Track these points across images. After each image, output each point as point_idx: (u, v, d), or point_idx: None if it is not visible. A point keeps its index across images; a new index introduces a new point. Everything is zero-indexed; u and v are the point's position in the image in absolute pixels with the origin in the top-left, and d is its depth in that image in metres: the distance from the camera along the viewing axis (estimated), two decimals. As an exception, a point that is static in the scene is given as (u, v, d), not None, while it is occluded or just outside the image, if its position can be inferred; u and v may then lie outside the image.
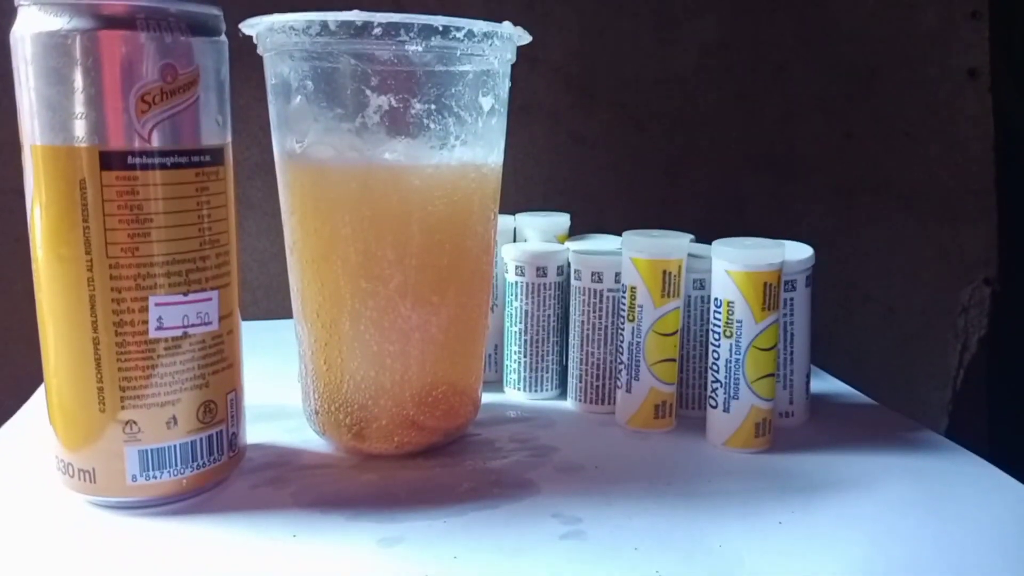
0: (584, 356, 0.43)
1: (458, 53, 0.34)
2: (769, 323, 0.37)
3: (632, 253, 0.40)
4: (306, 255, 0.36)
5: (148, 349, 0.30)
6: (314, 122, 0.34)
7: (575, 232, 0.50)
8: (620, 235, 0.42)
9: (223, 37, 0.32)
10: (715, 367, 0.39)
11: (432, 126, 0.34)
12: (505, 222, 0.48)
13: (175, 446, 0.31)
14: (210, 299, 0.32)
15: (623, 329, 0.41)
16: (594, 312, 0.42)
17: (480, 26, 0.34)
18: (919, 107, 0.66)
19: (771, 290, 0.37)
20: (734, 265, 0.37)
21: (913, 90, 0.66)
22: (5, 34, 0.30)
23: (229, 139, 0.33)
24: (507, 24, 0.35)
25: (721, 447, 0.39)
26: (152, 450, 0.31)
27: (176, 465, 0.31)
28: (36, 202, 0.30)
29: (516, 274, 0.44)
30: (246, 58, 0.37)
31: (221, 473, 0.33)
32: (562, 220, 0.49)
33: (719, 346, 0.38)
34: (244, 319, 0.35)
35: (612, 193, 0.64)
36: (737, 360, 0.38)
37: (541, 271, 0.44)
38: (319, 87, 0.34)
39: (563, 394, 0.45)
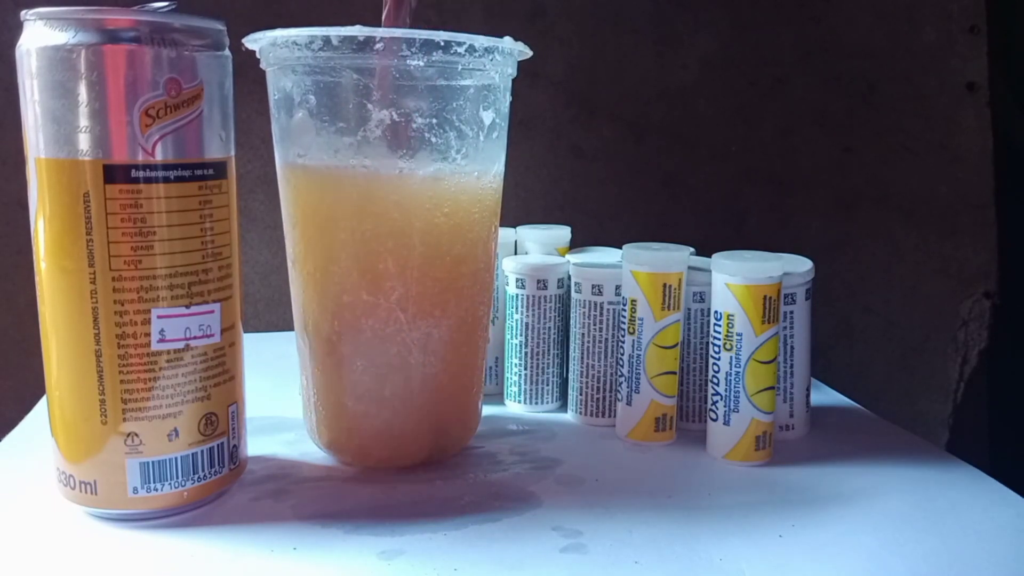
0: (585, 369, 0.43)
1: (459, 68, 0.34)
2: (769, 336, 0.38)
3: (633, 266, 0.40)
4: (308, 268, 0.36)
5: (150, 361, 0.30)
6: (316, 136, 0.35)
7: (576, 245, 0.50)
8: (620, 248, 0.42)
9: (227, 52, 0.32)
10: (715, 380, 0.39)
11: (433, 140, 0.35)
12: (506, 235, 0.48)
13: (176, 458, 0.31)
14: (212, 311, 0.32)
15: (623, 342, 0.41)
16: (595, 325, 0.43)
17: (481, 41, 0.34)
18: (918, 121, 0.67)
19: (771, 303, 0.37)
20: (734, 278, 0.37)
21: (912, 104, 0.66)
22: (11, 48, 0.30)
23: (232, 153, 0.33)
24: (508, 39, 0.35)
25: (721, 460, 0.39)
26: (153, 462, 0.31)
27: (177, 477, 0.32)
28: (40, 214, 0.30)
29: (517, 287, 0.44)
30: (249, 72, 0.38)
31: (222, 485, 0.33)
32: (563, 233, 0.49)
33: (719, 359, 0.38)
34: (246, 331, 0.35)
35: (612, 206, 0.64)
36: (737, 373, 0.38)
37: (542, 284, 0.44)
38: (321, 101, 0.34)
39: (564, 407, 0.45)
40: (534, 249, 0.48)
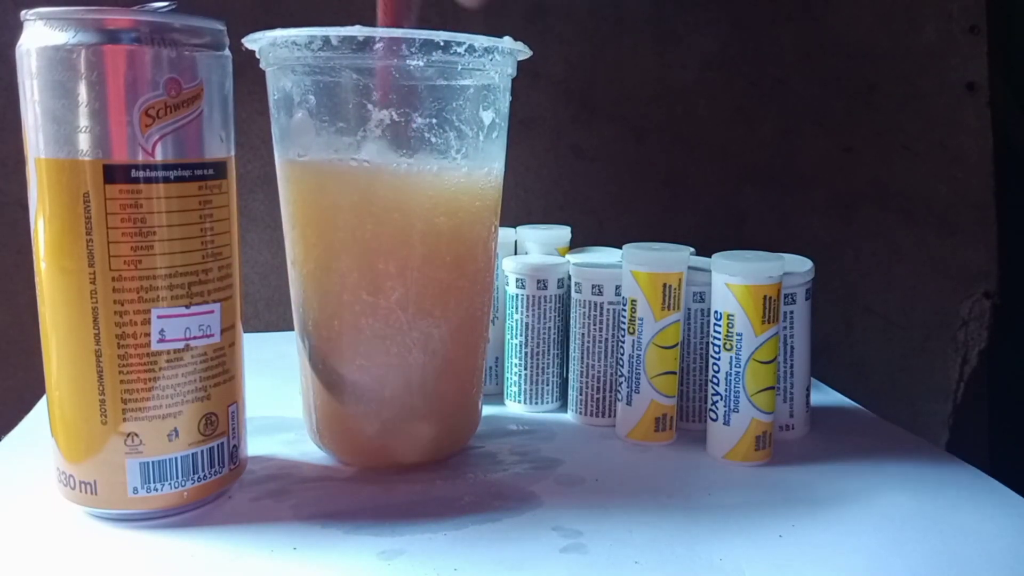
0: (584, 369, 0.43)
1: (459, 68, 0.34)
2: (769, 336, 0.38)
3: (633, 266, 0.40)
4: (307, 268, 0.36)
5: (150, 361, 0.30)
6: (316, 136, 0.35)
7: (576, 245, 0.50)
8: (620, 248, 0.42)
9: (227, 52, 0.32)
10: (715, 380, 0.39)
11: (433, 140, 0.35)
12: (506, 235, 0.48)
13: (176, 458, 0.31)
14: (212, 311, 0.32)
15: (623, 342, 0.41)
16: (595, 325, 0.43)
17: (481, 41, 0.34)
18: (918, 121, 0.67)
19: (771, 303, 0.37)
20: (734, 278, 0.37)
21: (912, 104, 0.66)
22: (11, 48, 0.30)
23: (232, 153, 0.33)
24: (508, 39, 0.35)
25: (721, 460, 0.39)
26: (153, 462, 0.31)
27: (177, 477, 0.31)
28: (40, 215, 0.30)
29: (517, 287, 0.44)
30: (249, 72, 0.38)
31: (222, 485, 0.33)
32: (563, 233, 0.49)
33: (719, 359, 0.38)
34: (245, 331, 0.35)
35: (612, 206, 0.64)
36: (737, 373, 0.38)
37: (542, 284, 0.44)
38: (321, 101, 0.34)
39: (564, 407, 0.45)
40: (534, 249, 0.48)
